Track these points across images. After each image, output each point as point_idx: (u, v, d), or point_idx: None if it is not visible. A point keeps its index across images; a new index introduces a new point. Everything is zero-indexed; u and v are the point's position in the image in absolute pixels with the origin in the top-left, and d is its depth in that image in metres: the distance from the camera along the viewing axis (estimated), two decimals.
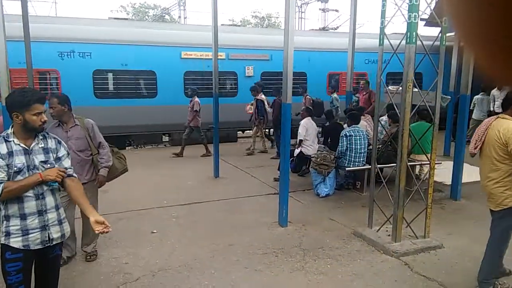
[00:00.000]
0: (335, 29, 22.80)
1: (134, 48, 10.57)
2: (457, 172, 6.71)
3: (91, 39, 10.15)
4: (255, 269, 4.34)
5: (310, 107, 9.29)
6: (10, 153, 2.70)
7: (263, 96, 10.26)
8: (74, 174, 3.05)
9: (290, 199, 5.81)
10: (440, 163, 7.15)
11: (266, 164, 9.22)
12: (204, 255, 4.65)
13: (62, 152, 2.96)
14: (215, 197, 6.80)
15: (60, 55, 9.83)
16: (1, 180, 2.64)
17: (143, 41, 10.67)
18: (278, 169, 6.72)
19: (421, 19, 10.48)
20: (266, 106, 10.31)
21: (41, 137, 2.86)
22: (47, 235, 2.79)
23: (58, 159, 2.92)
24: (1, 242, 2.74)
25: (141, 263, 4.43)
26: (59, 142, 2.97)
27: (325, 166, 6.78)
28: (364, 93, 10.73)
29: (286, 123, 5.38)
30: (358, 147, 6.82)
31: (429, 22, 11.30)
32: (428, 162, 5.06)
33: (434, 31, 12.77)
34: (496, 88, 11.19)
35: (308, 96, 10.92)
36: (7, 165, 2.68)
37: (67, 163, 2.97)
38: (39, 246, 2.78)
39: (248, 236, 5.18)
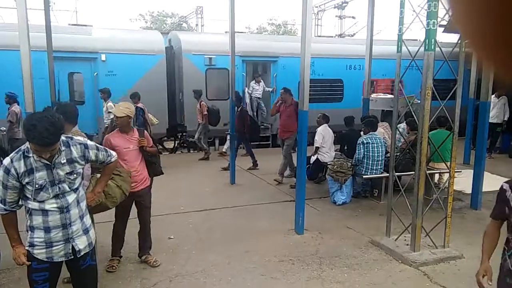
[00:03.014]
0: (352, 35, 22.71)
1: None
2: (477, 181, 6.58)
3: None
4: (271, 276, 4.33)
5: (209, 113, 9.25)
6: (30, 170, 2.60)
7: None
8: (112, 159, 3.12)
9: (307, 207, 5.78)
10: (460, 171, 7.02)
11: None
12: (220, 261, 4.66)
13: (93, 153, 2.90)
14: (231, 203, 6.82)
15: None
16: (11, 203, 2.64)
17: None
18: (295, 176, 6.70)
19: (440, 26, 10.36)
20: (149, 116, 9.01)
21: (63, 148, 2.71)
22: (70, 247, 2.75)
23: (95, 161, 2.97)
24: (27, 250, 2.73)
25: (158, 269, 4.47)
26: (86, 147, 2.86)
27: (342, 174, 6.74)
28: (287, 105, 8.18)
29: (303, 130, 5.38)
30: (376, 154, 6.76)
31: (448, 29, 11.18)
32: (448, 171, 4.99)
33: (453, 38, 12.62)
34: (494, 95, 10.83)
35: (203, 103, 10.08)
36: (28, 182, 2.59)
37: (102, 156, 3.01)
38: (63, 259, 2.75)
39: (264, 243, 5.17)
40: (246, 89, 11.75)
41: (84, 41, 10.22)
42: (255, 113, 12.01)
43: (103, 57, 10.21)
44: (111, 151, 3.23)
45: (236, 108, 9.29)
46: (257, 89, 11.95)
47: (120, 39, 10.89)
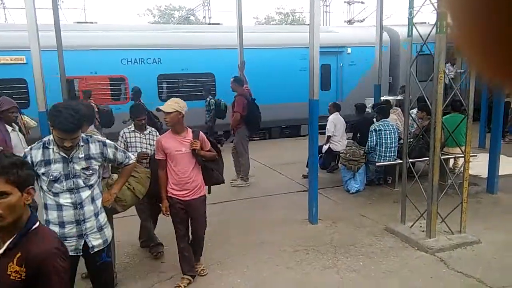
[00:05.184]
0: (361, 21, 22.40)
1: None
2: (493, 165, 6.47)
3: None
4: (286, 266, 4.35)
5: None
6: (47, 161, 2.67)
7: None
8: (130, 161, 3.15)
9: (320, 196, 5.77)
10: (475, 155, 6.91)
11: (293, 161, 9.18)
12: (235, 252, 4.69)
13: (111, 151, 2.94)
14: (244, 195, 6.84)
15: None
16: None
17: None
18: (307, 166, 6.67)
19: None
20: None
21: (82, 143, 2.77)
22: (82, 243, 2.79)
23: (112, 160, 3.01)
24: None
25: (174, 261, 4.50)
26: (104, 144, 2.91)
27: (355, 162, 6.69)
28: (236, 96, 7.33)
29: (313, 121, 5.34)
30: (388, 141, 6.69)
31: None
32: (463, 155, 4.91)
33: None
34: None
35: (92, 103, 8.24)
36: (43, 173, 2.66)
37: (120, 156, 3.05)
38: (73, 253, 2.76)
39: (279, 233, 5.18)
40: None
41: (333, 38, 12.23)
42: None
43: (348, 50, 12.33)
44: (130, 154, 3.27)
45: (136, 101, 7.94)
46: (451, 70, 13.33)
47: (357, 34, 12.90)
